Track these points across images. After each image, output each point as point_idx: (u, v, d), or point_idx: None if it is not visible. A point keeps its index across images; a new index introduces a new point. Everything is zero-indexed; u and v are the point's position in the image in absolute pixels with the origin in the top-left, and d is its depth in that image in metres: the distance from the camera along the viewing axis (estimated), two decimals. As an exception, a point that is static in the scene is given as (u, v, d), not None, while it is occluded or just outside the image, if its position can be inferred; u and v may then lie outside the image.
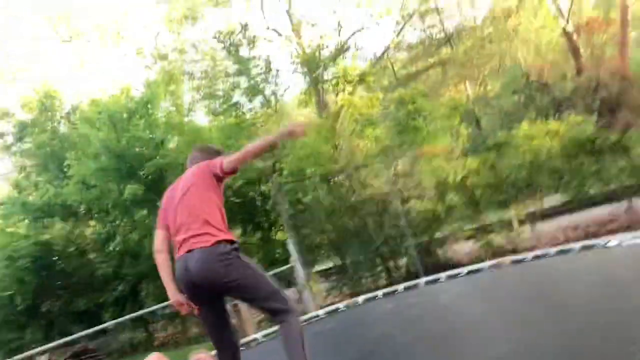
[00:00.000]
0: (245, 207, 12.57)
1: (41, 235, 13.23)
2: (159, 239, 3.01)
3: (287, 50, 16.37)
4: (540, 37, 17.61)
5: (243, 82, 13.64)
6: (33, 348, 12.88)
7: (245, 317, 6.70)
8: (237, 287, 2.77)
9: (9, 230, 13.25)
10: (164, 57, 16.16)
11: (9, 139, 16.20)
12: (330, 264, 13.28)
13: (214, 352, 3.14)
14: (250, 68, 13.60)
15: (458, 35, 18.53)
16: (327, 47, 15.47)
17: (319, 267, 13.07)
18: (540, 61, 18.11)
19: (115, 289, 12.88)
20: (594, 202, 11.50)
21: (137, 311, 11.34)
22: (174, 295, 2.86)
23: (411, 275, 10.22)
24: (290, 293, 10.70)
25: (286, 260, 10.77)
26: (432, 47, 19.06)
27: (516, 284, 4.87)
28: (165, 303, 9.62)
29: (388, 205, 11.75)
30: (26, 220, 13.36)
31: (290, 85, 19.32)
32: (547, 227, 11.44)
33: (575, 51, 17.26)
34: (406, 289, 5.68)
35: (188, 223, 2.83)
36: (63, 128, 15.04)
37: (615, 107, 14.80)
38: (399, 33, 18.25)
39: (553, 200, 12.77)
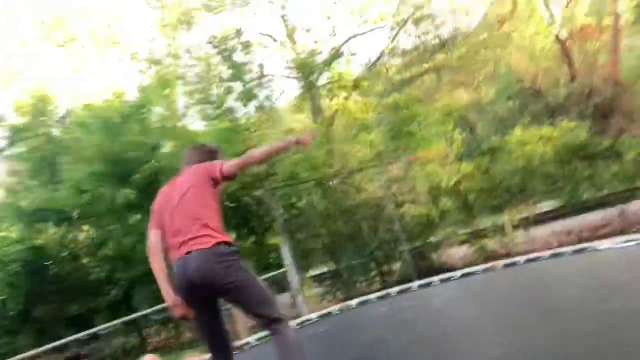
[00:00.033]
0: (240, 212, 12.54)
1: (34, 240, 13.15)
2: (153, 239, 2.97)
3: (282, 55, 16.44)
4: (534, 43, 17.72)
5: (237, 87, 13.64)
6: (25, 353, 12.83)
7: (239, 320, 6.67)
8: (234, 289, 2.76)
9: (1, 234, 13.18)
10: (158, 62, 16.17)
11: (1, 144, 16.14)
12: (324, 269, 13.27)
13: (207, 355, 3.12)
14: (245, 73, 13.60)
15: (452, 41, 18.61)
16: (321, 52, 15.53)
17: (313, 272, 13.06)
18: (534, 67, 18.23)
19: (108, 293, 12.80)
20: (587, 207, 11.57)
21: (130, 316, 11.31)
22: (170, 296, 2.82)
23: (405, 279, 10.21)
24: (284, 298, 10.70)
25: (280, 265, 10.75)
26: (427, 53, 19.13)
27: (509, 287, 4.88)
28: (159, 307, 9.58)
29: (382, 209, 11.77)
30: (19, 225, 13.27)
31: (285, 91, 19.39)
32: (540, 232, 11.47)
33: (568, 58, 17.39)
34: (399, 292, 5.67)
35: (187, 226, 2.82)
36: (56, 132, 14.97)
37: (608, 113, 14.91)
38: (393, 39, 18.33)
39: (546, 205, 12.84)
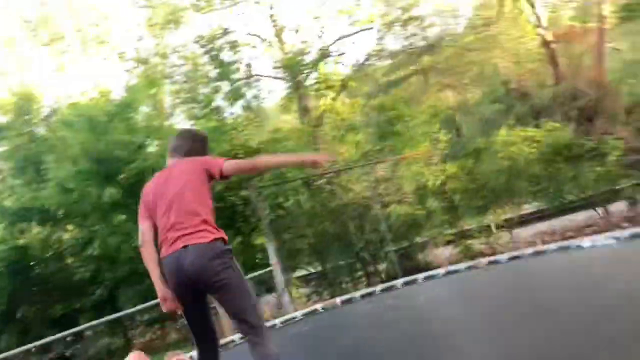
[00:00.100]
0: (226, 212, 12.50)
1: (17, 240, 13.02)
2: (145, 231, 2.93)
3: (270, 55, 16.44)
4: (519, 46, 17.87)
5: (224, 86, 13.61)
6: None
7: (223, 318, 6.65)
8: (223, 287, 2.74)
9: (-16, 234, 13.04)
10: (145, 62, 16.09)
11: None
12: (310, 269, 13.26)
13: (189, 354, 3.11)
14: (232, 73, 13.58)
15: (439, 43, 18.71)
16: (309, 52, 15.55)
17: (299, 272, 13.04)
18: (520, 70, 18.39)
19: (93, 294, 12.70)
20: (571, 208, 11.68)
21: (115, 317, 11.24)
22: (162, 289, 2.76)
23: (391, 279, 10.25)
24: (270, 298, 10.69)
25: (266, 265, 10.72)
26: (414, 55, 19.22)
27: (492, 285, 4.91)
28: (144, 306, 9.53)
29: (368, 210, 11.78)
30: (2, 225, 13.13)
31: (272, 91, 19.39)
32: (524, 232, 11.56)
33: (553, 60, 17.56)
34: (383, 290, 5.69)
35: (184, 221, 2.78)
36: (41, 131, 14.85)
37: (592, 115, 15.08)
38: (381, 40, 18.39)
39: (531, 206, 12.94)
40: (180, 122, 14.45)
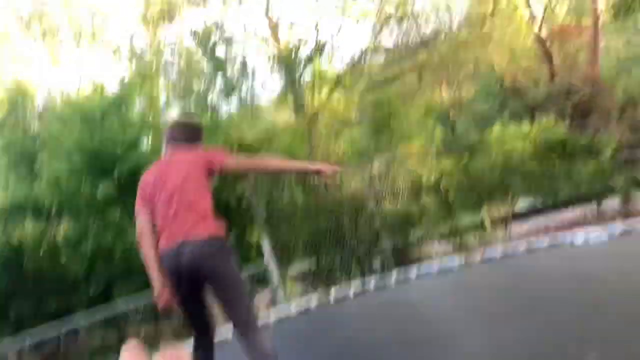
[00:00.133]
0: (220, 207, 12.49)
1: (11, 236, 12.98)
2: (143, 221, 2.89)
3: (264, 51, 16.40)
4: (514, 42, 17.89)
5: (219, 82, 13.59)
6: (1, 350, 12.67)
7: (217, 316, 6.65)
8: (222, 279, 2.73)
9: (-23, 230, 12.98)
10: (139, 57, 16.04)
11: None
12: (304, 265, 13.27)
13: (182, 348, 3.11)
14: (226, 68, 13.56)
15: (434, 40, 18.72)
16: (304, 48, 15.55)
17: (293, 268, 13.06)
18: (514, 66, 18.41)
19: (87, 290, 12.68)
20: (564, 204, 11.73)
21: (109, 313, 11.24)
22: (159, 282, 2.74)
23: (385, 275, 10.27)
24: (264, 293, 10.70)
25: (260, 261, 10.74)
26: (409, 51, 19.21)
27: (485, 280, 4.93)
28: (138, 302, 9.52)
29: (363, 206, 11.80)
30: (-4, 220, 13.08)
31: (267, 86, 19.36)
32: (518, 228, 11.61)
33: (548, 57, 17.58)
34: (377, 286, 5.71)
35: (184, 214, 2.77)
36: (35, 127, 14.79)
37: (586, 112, 15.12)
38: (376, 37, 18.37)
39: (525, 202, 12.99)
40: (175, 117, 14.38)
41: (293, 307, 5.62)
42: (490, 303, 4.16)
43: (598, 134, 12.31)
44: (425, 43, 18.62)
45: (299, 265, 13.21)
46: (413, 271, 5.81)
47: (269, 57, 15.88)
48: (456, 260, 5.75)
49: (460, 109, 18.63)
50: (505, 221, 11.63)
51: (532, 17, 17.45)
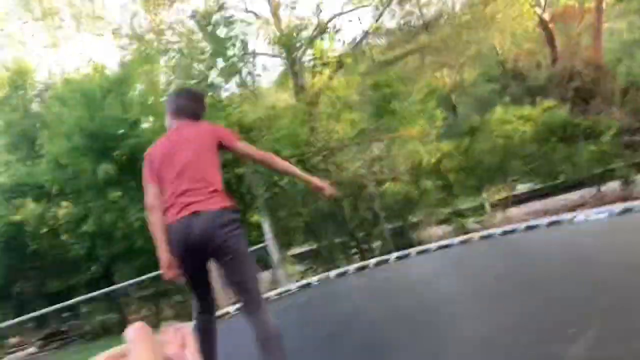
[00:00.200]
0: (221, 189, 12.53)
1: (12, 216, 13.01)
2: (151, 193, 2.88)
3: (266, 32, 16.31)
4: (516, 25, 17.77)
5: (219, 63, 13.52)
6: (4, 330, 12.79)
7: (219, 290, 6.69)
8: (231, 253, 2.73)
9: (-21, 210, 13.02)
10: (139, 38, 15.94)
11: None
12: (305, 247, 13.34)
13: (184, 324, 3.12)
14: (227, 49, 13.47)
15: (436, 22, 18.60)
16: (305, 29, 15.44)
17: (293, 250, 13.12)
18: (516, 50, 18.33)
19: (88, 270, 12.76)
20: (565, 188, 11.75)
21: (110, 293, 11.32)
22: (166, 255, 2.76)
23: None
24: (265, 274, 10.75)
25: (261, 243, 10.77)
26: (410, 33, 19.10)
27: (485, 259, 4.95)
28: (139, 280, 9.57)
29: (363, 188, 11.82)
30: (-3, 201, 13.12)
31: (268, 68, 19.28)
32: (518, 211, 11.65)
33: (550, 40, 17.49)
34: (377, 264, 5.74)
35: (195, 188, 2.76)
36: (35, 107, 14.76)
37: (588, 96, 15.06)
38: (377, 19, 18.25)
39: (525, 185, 13.01)
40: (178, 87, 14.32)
41: (293, 286, 5.65)
42: (490, 280, 4.18)
43: (599, 118, 12.27)
44: (427, 25, 18.51)
45: (299, 247, 13.28)
46: (412, 249, 5.84)
47: (270, 39, 15.80)
48: (456, 240, 5.77)
49: (461, 91, 18.58)
50: (505, 204, 11.66)
51: (535, 0, 17.33)
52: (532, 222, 5.44)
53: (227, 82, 13.52)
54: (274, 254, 10.37)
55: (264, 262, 10.61)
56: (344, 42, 16.53)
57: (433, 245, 5.73)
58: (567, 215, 5.21)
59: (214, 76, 13.42)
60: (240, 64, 13.95)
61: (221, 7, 13.66)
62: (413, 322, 3.57)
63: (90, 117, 11.94)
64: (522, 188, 12.83)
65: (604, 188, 11.03)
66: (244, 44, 14.07)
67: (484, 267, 4.72)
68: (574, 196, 11.42)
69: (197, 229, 2.69)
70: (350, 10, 17.36)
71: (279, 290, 5.48)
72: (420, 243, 11.67)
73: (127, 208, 11.91)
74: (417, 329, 3.42)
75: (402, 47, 19.01)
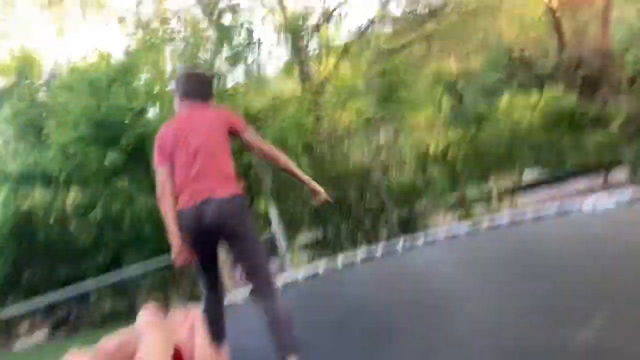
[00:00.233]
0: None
1: (21, 204, 13.09)
2: (164, 178, 2.85)
3: (271, 20, 16.24)
4: (524, 13, 17.63)
5: (225, 51, 13.49)
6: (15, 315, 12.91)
7: (226, 278, 6.75)
8: (244, 237, 2.74)
9: (-13, 198, 13.09)
10: (145, 26, 15.90)
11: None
12: (311, 236, 13.37)
13: (193, 308, 3.15)
14: (232, 37, 13.44)
15: (442, 9, 18.46)
16: (311, 17, 15.38)
17: (300, 239, 13.16)
18: (524, 37, 18.18)
19: (96, 258, 12.84)
20: (572, 176, 11.73)
21: (119, 280, 11.40)
22: (178, 240, 2.75)
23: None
24: (271, 262, 10.81)
25: (268, 231, 10.82)
26: (417, 21, 18.97)
27: (492, 246, 4.96)
28: (147, 267, 9.63)
29: (370, 176, 11.83)
30: (5, 189, 13.16)
31: (273, 56, 19.20)
32: (525, 199, 11.64)
33: (558, 28, 17.34)
34: (384, 252, 5.76)
35: (207, 173, 2.77)
36: (42, 95, 14.79)
37: (596, 84, 14.97)
38: (383, 7, 18.14)
39: (532, 173, 12.99)
40: (186, 69, 14.29)
41: (300, 273, 5.69)
42: (497, 268, 4.18)
43: (607, 105, 12.21)
44: (433, 12, 18.37)
45: (306, 235, 13.31)
46: (420, 238, 5.85)
47: (276, 26, 15.75)
48: (463, 228, 5.78)
49: (468, 79, 18.46)
50: (512, 192, 11.66)
51: (543, -13, 17.18)
52: (539, 210, 5.44)
53: (232, 70, 13.50)
54: (281, 242, 10.41)
55: (271, 251, 10.66)
56: (349, 29, 16.46)
57: (440, 233, 5.73)
58: (574, 203, 5.21)
59: (219, 65, 13.40)
60: (246, 53, 13.91)
61: (227, -5, 13.62)
62: (420, 308, 3.59)
63: (96, 105, 11.97)
64: (529, 176, 12.81)
65: (611, 176, 11.00)
66: (250, 32, 14.03)
67: (490, 255, 4.73)
68: (581, 184, 11.39)
69: (208, 215, 2.70)
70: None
71: (285, 278, 5.51)
72: (426, 230, 11.69)
73: (135, 196, 11.97)
74: (423, 315, 3.44)
75: (408, 35, 18.89)
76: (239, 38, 13.62)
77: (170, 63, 14.68)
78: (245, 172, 12.90)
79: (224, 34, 13.32)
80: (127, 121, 12.09)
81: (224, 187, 2.77)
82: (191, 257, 2.81)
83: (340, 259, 5.92)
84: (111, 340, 3.10)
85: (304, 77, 15.21)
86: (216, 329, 2.95)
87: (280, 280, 5.21)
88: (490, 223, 5.59)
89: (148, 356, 2.50)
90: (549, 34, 17.75)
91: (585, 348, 2.22)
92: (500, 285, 3.64)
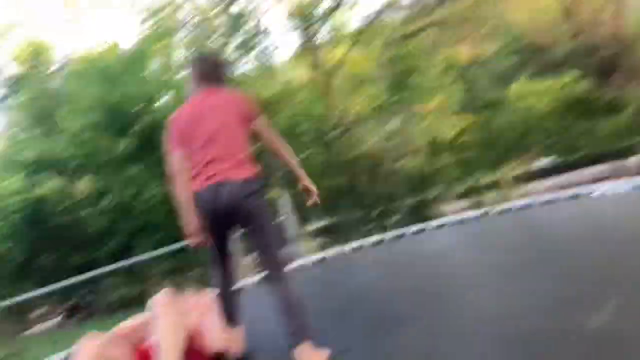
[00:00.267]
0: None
1: (35, 191, 13.23)
2: (178, 159, 2.85)
3: (282, 6, 16.17)
4: (536, -2, 17.43)
5: (235, 39, 13.48)
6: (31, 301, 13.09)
7: (240, 260, 6.78)
8: (259, 219, 2.73)
9: (2, 185, 13.22)
10: (156, 14, 15.90)
11: (1, 94, 16.10)
12: (322, 222, 13.40)
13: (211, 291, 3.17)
14: (243, 25, 13.42)
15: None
16: (322, 3, 15.29)
17: (311, 225, 13.18)
18: (537, 23, 17.96)
19: (109, 244, 12.95)
20: (584, 162, 11.63)
21: (132, 267, 11.48)
22: (193, 222, 2.75)
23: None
24: (284, 248, 10.83)
25: (279, 218, 10.84)
26: (428, 7, 18.79)
27: (503, 232, 4.94)
28: (158, 252, 9.70)
29: (381, 163, 11.81)
30: (20, 175, 13.29)
31: (285, 44, 19.15)
32: (537, 186, 11.55)
33: (572, 13, 17.12)
34: (394, 237, 5.76)
35: (223, 157, 2.74)
36: (55, 83, 14.88)
37: (610, 70, 14.79)
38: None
39: (545, 160, 12.90)
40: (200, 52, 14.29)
41: (309, 260, 5.72)
42: (508, 253, 4.17)
43: (621, 92, 12.07)
44: (444, -1, 18.20)
45: (317, 222, 13.33)
46: (430, 223, 5.85)
47: (287, 13, 15.69)
48: (473, 213, 5.77)
49: (480, 66, 18.30)
50: (524, 179, 11.59)
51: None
52: (550, 196, 5.41)
53: (242, 58, 13.49)
54: (292, 228, 10.43)
55: (282, 238, 10.67)
56: (361, 17, 16.35)
57: (450, 219, 5.73)
58: (586, 189, 5.17)
59: (229, 52, 13.39)
60: (256, 40, 13.89)
61: (238, -18, 13.57)
62: (430, 294, 3.59)
63: (108, 93, 12.03)
64: (541, 163, 12.72)
65: (624, 162, 10.90)
66: (260, 19, 14.00)
67: (501, 240, 4.71)
68: (593, 170, 11.29)
69: (224, 197, 2.70)
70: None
71: (295, 264, 5.54)
72: (437, 218, 11.67)
73: (146, 183, 12.05)
74: (433, 300, 3.43)
75: (420, 21, 18.74)
76: (249, 25, 13.59)
77: (180, 51, 14.71)
78: (256, 158, 12.95)
79: (234, 21, 13.29)
80: (138, 108, 12.14)
81: (241, 169, 2.76)
82: (206, 239, 2.81)
83: (350, 245, 5.94)
84: (127, 323, 3.14)
85: (315, 63, 15.16)
86: (230, 312, 2.97)
87: (289, 267, 5.23)
88: (500, 208, 5.57)
89: (163, 338, 2.55)
90: (562, 19, 17.53)
91: (595, 333, 2.22)
92: (511, 270, 3.63)
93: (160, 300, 2.81)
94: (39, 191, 13.19)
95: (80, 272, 12.24)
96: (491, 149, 11.61)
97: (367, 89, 12.82)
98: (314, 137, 12.26)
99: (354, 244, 5.88)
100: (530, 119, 11.21)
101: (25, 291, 12.98)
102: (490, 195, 11.63)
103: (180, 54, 14.62)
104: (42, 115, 14.01)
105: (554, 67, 16.45)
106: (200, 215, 2.76)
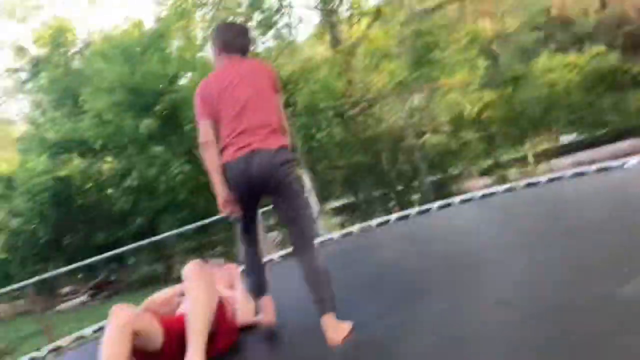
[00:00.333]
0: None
1: (59, 171, 13.41)
2: (207, 129, 2.80)
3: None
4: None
5: (256, 16, 13.39)
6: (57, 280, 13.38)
7: (263, 237, 6.80)
8: (289, 189, 2.70)
9: (28, 165, 13.43)
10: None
11: (24, 75, 16.28)
12: (343, 200, 13.38)
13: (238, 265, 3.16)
14: (264, 2, 13.32)
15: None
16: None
17: (332, 203, 13.17)
18: (562, -5, 17.55)
19: (133, 223, 13.12)
20: (611, 137, 11.40)
21: (155, 245, 11.62)
22: (224, 192, 2.72)
23: (425, 208, 10.27)
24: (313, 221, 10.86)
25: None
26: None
27: (529, 206, 4.85)
28: (182, 229, 9.79)
29: (402, 140, 11.71)
30: (44, 156, 13.48)
31: (305, 20, 18.97)
32: (562, 162, 11.35)
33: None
34: (419, 213, 5.70)
35: (256, 127, 2.68)
36: (77, 63, 14.98)
37: (639, 42, 14.41)
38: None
39: (570, 135, 12.67)
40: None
41: (334, 235, 5.69)
42: (535, 226, 4.09)
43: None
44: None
45: (338, 200, 13.33)
46: (455, 198, 5.77)
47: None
48: (500, 188, 5.67)
49: (503, 40, 17.97)
50: (549, 155, 11.41)
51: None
52: (579, 169, 5.28)
53: (263, 34, 13.41)
54: (313, 206, 10.44)
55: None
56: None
57: (477, 194, 5.64)
58: (616, 162, 5.04)
59: (250, 29, 13.30)
60: (277, 17, 13.78)
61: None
62: (456, 268, 3.54)
63: (130, 72, 12.07)
64: (567, 138, 12.49)
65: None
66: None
67: (528, 214, 4.62)
68: (621, 146, 11.05)
69: (255, 166, 2.67)
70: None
71: (319, 239, 5.51)
72: (461, 195, 11.57)
73: (170, 162, 12.13)
74: (463, 272, 3.38)
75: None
76: (270, 2, 13.49)
77: (200, 29, 14.67)
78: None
79: (255, -1, 13.21)
80: (160, 87, 12.18)
81: (273, 139, 2.72)
82: (237, 208, 2.79)
83: (375, 220, 5.89)
84: (158, 295, 3.16)
85: (335, 40, 15.01)
86: (260, 284, 2.97)
87: (317, 240, 5.22)
88: (527, 182, 5.47)
89: (194, 309, 2.56)
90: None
91: (628, 300, 2.16)
92: (539, 243, 3.55)
93: (191, 271, 2.81)
94: (63, 172, 13.38)
95: (105, 251, 12.49)
96: (515, 125, 11.42)
97: (388, 65, 12.65)
98: (334, 114, 12.18)
99: (380, 219, 5.83)
100: (555, 94, 10.97)
101: (51, 270, 13.27)
102: (514, 171, 11.49)
103: (201, 33, 14.59)
104: (65, 96, 14.14)
105: (579, 41, 16.09)
106: (231, 186, 2.74)
